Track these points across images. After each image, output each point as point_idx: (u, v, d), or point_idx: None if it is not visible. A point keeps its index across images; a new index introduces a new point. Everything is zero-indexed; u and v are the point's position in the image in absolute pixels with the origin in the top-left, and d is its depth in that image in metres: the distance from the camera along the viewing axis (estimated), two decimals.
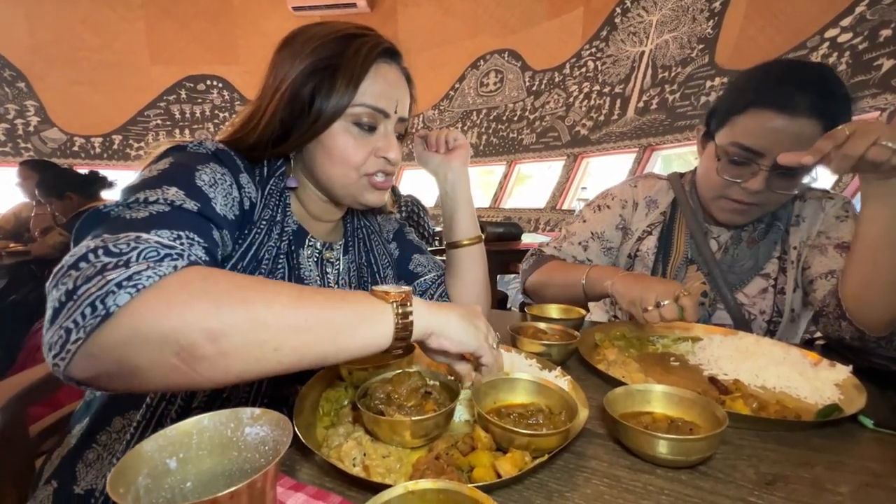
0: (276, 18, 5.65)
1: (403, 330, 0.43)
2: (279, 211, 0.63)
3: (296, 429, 0.43)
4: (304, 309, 0.39)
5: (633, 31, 3.97)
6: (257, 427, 0.33)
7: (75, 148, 5.86)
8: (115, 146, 5.92)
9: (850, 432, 0.51)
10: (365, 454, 0.42)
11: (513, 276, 3.44)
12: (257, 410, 0.33)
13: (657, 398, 0.51)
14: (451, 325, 0.47)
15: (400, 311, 0.43)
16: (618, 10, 4.11)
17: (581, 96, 4.36)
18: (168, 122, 6.04)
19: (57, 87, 5.76)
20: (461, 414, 0.52)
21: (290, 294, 0.40)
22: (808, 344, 0.87)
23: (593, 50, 4.32)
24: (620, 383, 0.58)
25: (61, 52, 5.70)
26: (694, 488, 0.40)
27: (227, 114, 5.90)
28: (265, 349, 0.38)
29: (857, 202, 0.88)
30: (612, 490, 0.40)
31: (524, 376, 0.53)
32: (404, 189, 2.56)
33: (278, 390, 0.62)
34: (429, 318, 0.45)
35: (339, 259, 0.73)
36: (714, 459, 0.45)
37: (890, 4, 2.35)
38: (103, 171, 2.43)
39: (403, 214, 2.27)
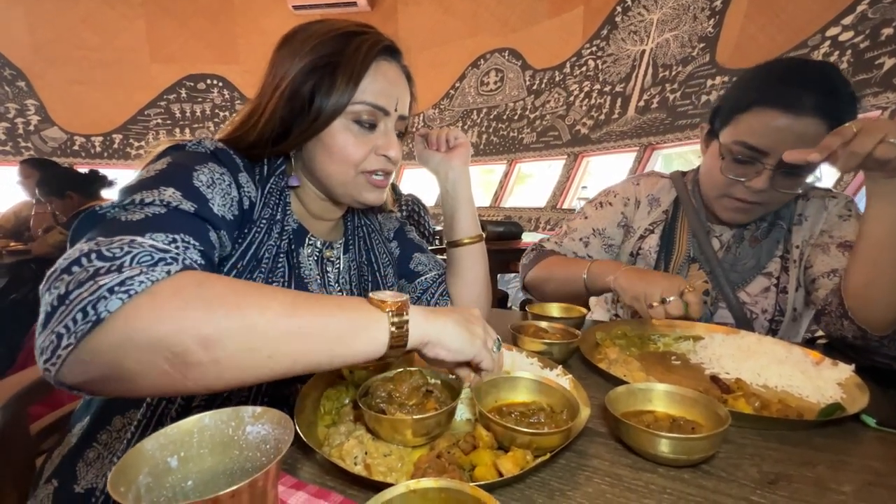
0: (277, 17, 5.64)
1: (398, 339, 0.43)
2: (279, 210, 0.63)
3: (297, 427, 0.42)
4: (299, 317, 0.39)
5: (634, 29, 3.97)
6: (258, 426, 0.33)
7: (75, 147, 5.86)
8: (116, 145, 5.92)
9: (852, 431, 0.51)
10: (366, 453, 0.42)
11: (513, 275, 3.44)
12: (258, 409, 0.33)
13: (659, 397, 0.51)
14: (447, 333, 0.47)
15: (395, 319, 0.43)
16: (618, 8, 4.10)
17: (581, 95, 4.35)
18: (168, 121, 6.04)
19: (57, 85, 5.75)
20: (462, 413, 0.52)
21: (284, 301, 0.40)
22: (809, 343, 0.87)
23: (594, 49, 4.31)
24: (622, 382, 0.58)
25: (61, 50, 5.70)
26: (696, 487, 0.40)
27: (227, 113, 5.89)
28: (258, 356, 0.37)
29: (859, 201, 0.88)
30: (614, 489, 0.40)
31: (525, 375, 0.53)
32: (405, 188, 2.56)
33: (279, 389, 0.62)
34: (425, 327, 0.45)
35: (339, 258, 0.73)
36: (716, 458, 0.45)
37: (891, 3, 2.35)
38: (103, 170, 2.43)
39: (404, 213, 2.26)
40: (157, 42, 5.94)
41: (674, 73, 3.56)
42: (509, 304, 3.03)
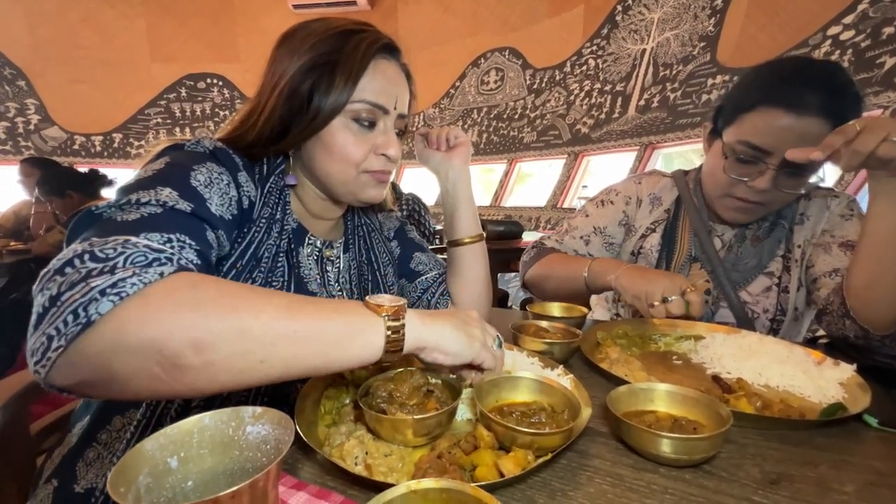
0: (277, 16, 5.64)
1: (394, 344, 0.43)
2: (279, 209, 0.63)
3: (297, 427, 0.42)
4: (294, 320, 0.39)
5: (635, 28, 3.96)
6: (259, 426, 0.33)
7: (76, 146, 5.86)
8: (116, 144, 5.92)
9: (854, 431, 0.51)
10: (367, 453, 0.42)
11: (514, 274, 3.43)
12: (259, 409, 0.33)
13: (660, 397, 0.51)
14: (444, 338, 0.46)
15: (392, 324, 0.43)
16: (619, 7, 4.09)
17: (582, 94, 4.35)
18: (168, 121, 6.04)
19: (57, 85, 5.76)
20: (463, 413, 0.51)
21: (279, 304, 0.39)
22: (811, 342, 0.87)
23: (594, 48, 4.31)
24: (623, 382, 0.57)
25: (61, 50, 5.70)
26: (698, 487, 0.40)
27: (227, 112, 5.89)
28: (251, 360, 0.37)
29: (860, 200, 0.88)
30: (616, 489, 0.40)
31: (526, 375, 0.53)
32: (405, 187, 2.56)
33: (279, 389, 0.61)
34: (421, 332, 0.45)
35: (339, 257, 0.73)
36: (718, 458, 0.44)
37: (892, 2, 2.34)
38: (104, 170, 2.43)
39: (404, 213, 2.26)
40: (157, 41, 5.94)
41: (674, 72, 3.55)
42: (510, 304, 3.03)
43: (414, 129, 0.81)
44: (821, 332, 0.89)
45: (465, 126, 5.31)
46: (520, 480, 0.41)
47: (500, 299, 2.71)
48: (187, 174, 0.52)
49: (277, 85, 0.60)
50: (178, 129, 5.99)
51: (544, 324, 0.76)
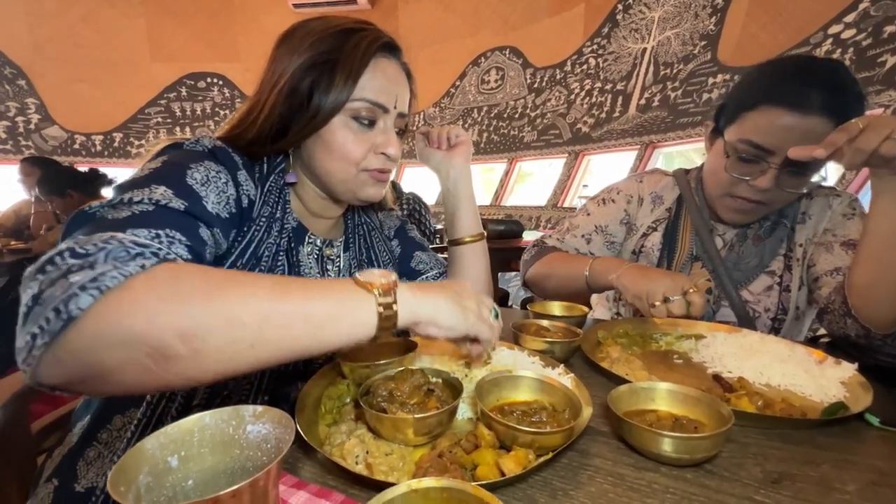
0: (277, 15, 5.64)
1: (387, 320, 0.42)
2: (279, 208, 0.63)
3: (298, 427, 0.42)
4: (282, 303, 0.38)
5: (635, 27, 3.96)
6: (259, 425, 0.32)
7: (76, 146, 5.86)
8: (116, 144, 5.92)
9: (856, 430, 0.51)
10: (367, 452, 0.42)
11: (514, 273, 3.43)
12: (259, 408, 0.33)
13: (661, 396, 0.50)
14: (438, 311, 0.46)
15: (383, 300, 0.42)
16: (619, 6, 4.09)
17: (582, 93, 4.35)
18: (169, 120, 6.04)
19: (57, 84, 5.75)
20: (464, 412, 0.51)
21: (266, 288, 0.39)
22: (812, 342, 0.87)
23: (595, 47, 4.30)
24: (624, 381, 0.57)
25: (61, 49, 5.70)
26: (699, 486, 0.40)
27: (227, 111, 5.89)
28: (241, 346, 0.37)
29: (862, 199, 0.88)
30: (617, 488, 0.40)
31: (527, 374, 0.52)
32: (406, 186, 2.55)
33: (280, 388, 0.61)
34: (414, 306, 0.44)
35: (339, 256, 0.73)
36: (719, 458, 0.44)
37: (894, 0, 2.34)
38: (104, 169, 2.43)
39: (405, 212, 2.26)
40: (157, 40, 5.94)
41: (675, 71, 3.55)
42: (510, 303, 3.03)
43: (414, 128, 0.81)
44: (822, 332, 0.89)
45: (466, 125, 5.30)
46: (521, 479, 0.40)
47: (501, 298, 2.71)
48: (183, 173, 0.51)
49: (277, 83, 0.60)
50: (178, 129, 5.98)
51: (545, 323, 0.76)
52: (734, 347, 0.70)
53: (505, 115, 5.06)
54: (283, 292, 0.39)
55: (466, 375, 0.57)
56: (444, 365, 0.60)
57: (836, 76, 0.75)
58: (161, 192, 0.47)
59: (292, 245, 0.64)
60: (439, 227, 2.51)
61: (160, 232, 0.43)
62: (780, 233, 0.90)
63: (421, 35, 5.43)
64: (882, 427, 0.51)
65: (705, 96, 3.24)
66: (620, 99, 3.97)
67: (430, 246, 0.91)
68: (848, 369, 0.61)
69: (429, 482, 0.31)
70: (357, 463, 0.41)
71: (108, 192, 2.37)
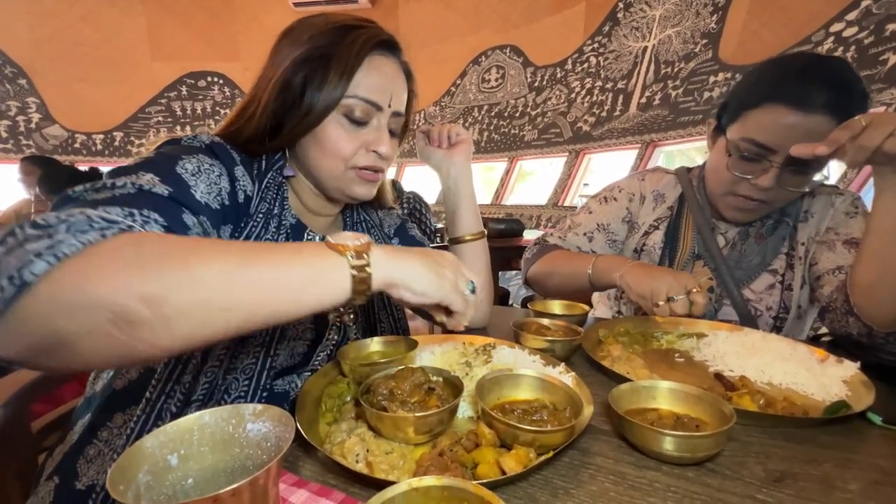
0: (277, 14, 5.63)
1: (361, 283, 0.42)
2: (276, 204, 0.63)
3: (298, 425, 0.42)
4: (251, 267, 0.38)
5: (636, 25, 3.95)
6: (259, 423, 0.32)
7: (77, 145, 5.86)
8: (117, 143, 5.92)
9: (858, 429, 0.51)
10: (368, 451, 0.42)
11: (515, 272, 3.43)
12: (259, 406, 0.33)
13: (663, 394, 0.50)
14: (413, 275, 0.46)
15: (356, 262, 0.42)
16: (620, 4, 4.08)
17: (583, 92, 4.34)
18: (169, 119, 6.04)
19: (58, 83, 5.75)
20: (465, 410, 0.51)
21: (234, 252, 0.38)
22: (814, 340, 0.86)
23: (595, 45, 4.29)
24: (625, 379, 0.57)
25: (62, 48, 5.70)
26: (701, 485, 0.40)
27: (227, 110, 5.77)
28: (210, 309, 0.36)
29: (864, 197, 0.88)
30: (618, 487, 0.40)
31: (528, 372, 0.52)
32: (406, 185, 2.55)
33: (278, 384, 0.61)
34: (389, 270, 0.44)
35: None
36: (721, 456, 0.44)
37: None
38: (105, 168, 2.43)
39: (405, 211, 2.26)
40: (157, 39, 5.94)
41: (676, 69, 3.54)
42: (510, 302, 3.03)
43: (415, 126, 0.81)
44: (823, 330, 0.88)
45: (466, 124, 5.30)
46: (521, 478, 0.40)
47: (502, 297, 2.70)
48: (174, 162, 0.51)
49: (272, 77, 0.60)
50: (178, 128, 5.98)
51: (546, 321, 0.76)
52: (736, 346, 0.70)
53: (505, 114, 5.05)
54: (252, 255, 0.39)
55: (467, 374, 0.57)
56: (444, 364, 0.60)
57: (840, 74, 0.74)
58: (147, 178, 0.47)
59: (290, 241, 0.64)
60: (440, 225, 2.51)
61: (135, 211, 0.42)
62: (783, 231, 0.90)
63: (421, 33, 5.43)
64: (884, 426, 0.51)
65: (706, 95, 3.23)
66: (621, 97, 3.96)
67: (431, 245, 0.91)
68: (850, 368, 0.61)
69: (429, 481, 0.31)
70: (357, 461, 0.41)
71: None
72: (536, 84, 4.81)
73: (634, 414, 0.47)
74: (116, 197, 0.43)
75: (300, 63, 0.59)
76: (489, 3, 5.10)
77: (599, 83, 4.19)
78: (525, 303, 2.09)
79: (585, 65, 4.36)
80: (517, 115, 4.93)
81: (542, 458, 0.41)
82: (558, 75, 4.61)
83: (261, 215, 0.60)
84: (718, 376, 0.62)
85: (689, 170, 1.04)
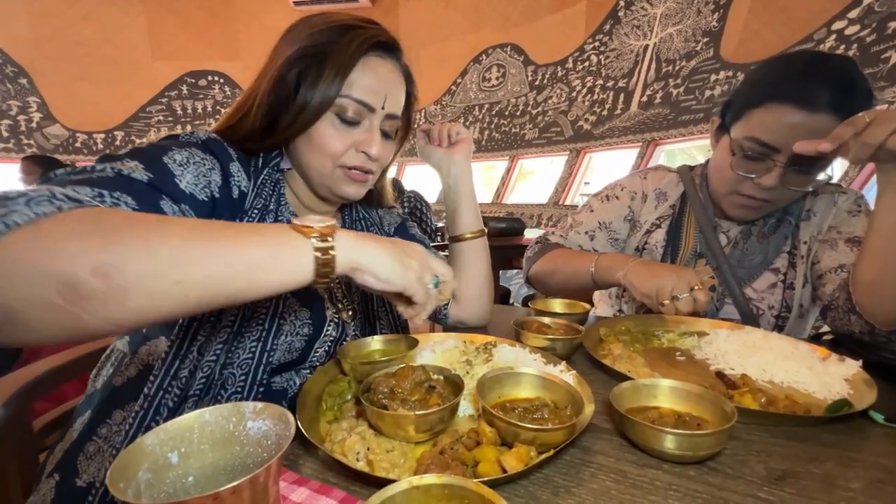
0: (278, 13, 5.63)
1: (324, 266, 0.42)
2: (272, 200, 0.63)
3: (299, 423, 0.42)
4: (208, 242, 0.37)
5: (637, 24, 3.94)
6: (259, 421, 0.32)
7: (77, 144, 5.87)
8: (118, 142, 5.93)
9: (860, 428, 0.50)
10: (368, 449, 0.42)
11: (515, 271, 3.43)
12: (259, 404, 0.33)
13: (664, 393, 0.50)
14: (377, 261, 0.46)
15: (320, 245, 0.41)
16: (621, 3, 4.07)
17: (584, 91, 4.33)
18: (170, 118, 6.04)
19: (59, 82, 5.76)
20: (465, 408, 0.51)
21: (193, 227, 0.38)
22: (815, 339, 0.86)
23: (596, 44, 4.28)
24: (626, 378, 0.57)
25: (63, 47, 5.70)
26: (702, 484, 0.40)
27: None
28: (165, 283, 0.35)
29: (867, 195, 0.87)
30: (619, 485, 0.40)
31: (529, 371, 0.52)
32: (407, 184, 2.55)
33: (275, 380, 0.61)
34: (354, 253, 0.44)
35: None
36: (723, 455, 0.44)
37: None
38: None
39: (406, 210, 2.26)
40: (158, 39, 5.94)
41: (677, 67, 3.53)
42: (511, 301, 3.03)
43: (415, 125, 0.81)
44: (825, 329, 0.88)
45: (467, 123, 5.29)
46: (522, 476, 0.40)
47: (503, 296, 2.70)
48: (163, 153, 0.51)
49: (268, 71, 0.60)
50: (179, 127, 5.99)
51: (547, 320, 0.76)
52: (737, 344, 0.70)
53: (506, 113, 5.04)
54: (211, 233, 0.38)
55: (468, 373, 0.57)
56: (445, 362, 0.59)
57: (845, 73, 0.74)
58: (131, 165, 0.47)
59: None
60: (441, 224, 2.51)
61: (105, 192, 0.42)
62: (785, 230, 0.90)
63: (422, 32, 5.42)
64: (886, 424, 0.50)
65: (707, 93, 3.23)
66: (622, 96, 3.95)
67: (432, 244, 0.91)
68: (852, 366, 0.60)
69: (430, 479, 0.31)
70: (358, 460, 0.41)
71: None
72: (537, 83, 4.81)
73: (635, 412, 0.47)
74: (91, 179, 0.43)
75: (295, 60, 0.59)
76: (490, 2, 5.10)
77: (600, 82, 4.19)
78: (526, 301, 2.09)
79: (586, 63, 4.36)
80: (518, 113, 4.93)
81: (543, 456, 0.41)
82: (559, 74, 4.61)
83: (256, 211, 0.60)
84: (720, 375, 0.62)
85: (691, 168, 1.04)
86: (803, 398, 0.57)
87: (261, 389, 0.58)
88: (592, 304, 1.15)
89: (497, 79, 5.16)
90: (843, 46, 2.50)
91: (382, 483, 0.33)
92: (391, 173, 0.85)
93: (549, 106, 4.63)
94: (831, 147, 0.61)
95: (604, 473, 0.41)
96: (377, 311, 0.75)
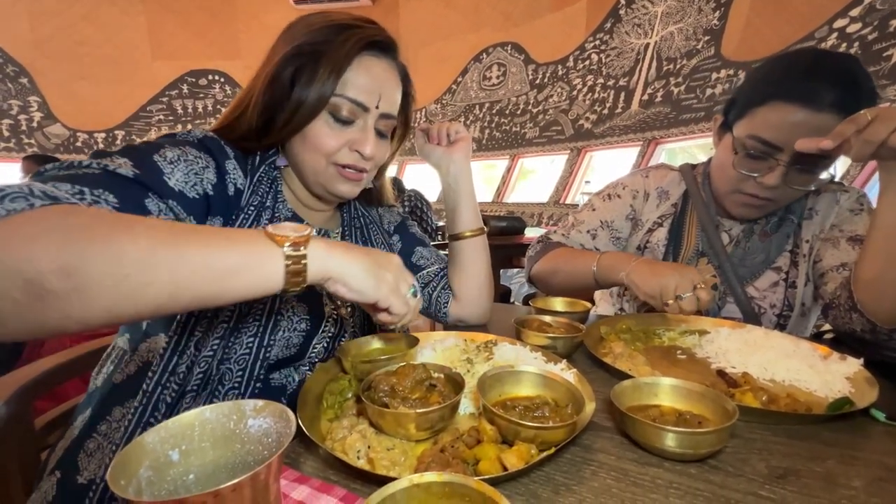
0: (278, 12, 5.63)
1: (295, 275, 0.42)
2: (269, 197, 0.63)
3: (300, 422, 0.42)
4: (177, 247, 0.37)
5: (638, 22, 3.93)
6: (260, 419, 0.32)
7: (78, 143, 5.87)
8: (119, 142, 5.94)
9: (861, 426, 0.50)
10: (369, 447, 0.42)
11: (516, 270, 3.43)
12: (260, 402, 0.33)
13: (665, 391, 0.50)
14: (350, 273, 0.46)
15: (292, 253, 0.41)
16: (622, 1, 4.06)
17: (585, 89, 4.33)
18: (170, 118, 6.05)
19: (59, 82, 5.77)
20: (466, 407, 0.51)
21: (163, 230, 0.38)
22: (816, 337, 0.86)
23: (597, 42, 4.28)
24: (627, 376, 0.57)
25: (63, 47, 5.71)
26: (704, 482, 0.40)
27: None
28: (131, 284, 0.35)
29: (869, 194, 0.87)
30: (620, 483, 0.40)
31: (530, 369, 0.52)
32: (407, 183, 2.55)
33: (273, 376, 0.61)
34: (326, 263, 0.44)
35: None
36: (724, 453, 0.44)
37: None
38: None
39: (407, 209, 2.26)
40: (158, 38, 5.94)
41: (678, 66, 3.52)
42: (512, 300, 3.03)
43: (415, 125, 0.81)
44: (826, 327, 0.88)
45: (467, 122, 5.29)
46: (523, 474, 0.40)
47: (503, 295, 2.70)
48: (155, 150, 0.52)
49: (265, 69, 0.60)
50: (179, 126, 6.00)
51: (547, 319, 0.76)
52: (738, 343, 0.70)
53: (507, 112, 5.04)
54: (180, 237, 0.38)
55: (469, 371, 0.57)
56: (446, 360, 0.59)
57: (849, 72, 0.73)
58: (119, 162, 0.47)
59: None
60: (441, 223, 2.50)
61: (85, 189, 0.42)
62: (787, 229, 0.90)
63: (422, 32, 5.42)
64: (888, 422, 0.50)
65: (709, 92, 3.22)
66: (623, 95, 3.95)
67: (433, 243, 0.91)
68: (853, 364, 0.60)
69: (431, 476, 0.31)
70: (359, 458, 0.41)
71: None
72: (538, 81, 4.80)
73: (636, 410, 0.46)
74: (76, 175, 0.43)
75: (290, 59, 0.59)
76: (490, 1, 5.09)
77: (601, 80, 4.18)
78: (526, 300, 2.09)
79: (587, 62, 4.35)
80: (518, 112, 4.92)
81: (544, 454, 0.41)
82: (560, 72, 4.60)
83: (252, 208, 0.60)
84: (721, 373, 0.62)
85: (693, 166, 1.03)
86: (805, 396, 0.57)
87: (258, 385, 0.58)
88: (593, 303, 1.15)
89: (498, 78, 5.15)
90: (844, 44, 2.50)
91: (383, 481, 0.33)
92: (391, 172, 0.85)
93: (550, 105, 4.63)
94: (833, 145, 0.61)
95: (605, 471, 0.41)
96: None
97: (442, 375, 0.51)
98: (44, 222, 0.34)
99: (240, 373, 0.57)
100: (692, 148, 3.57)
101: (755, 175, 0.81)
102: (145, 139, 0.59)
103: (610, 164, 4.19)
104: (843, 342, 0.77)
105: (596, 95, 4.21)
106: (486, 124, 5.18)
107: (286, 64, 0.59)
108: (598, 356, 0.66)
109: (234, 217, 0.59)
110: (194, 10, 5.92)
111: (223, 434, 0.32)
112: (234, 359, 0.57)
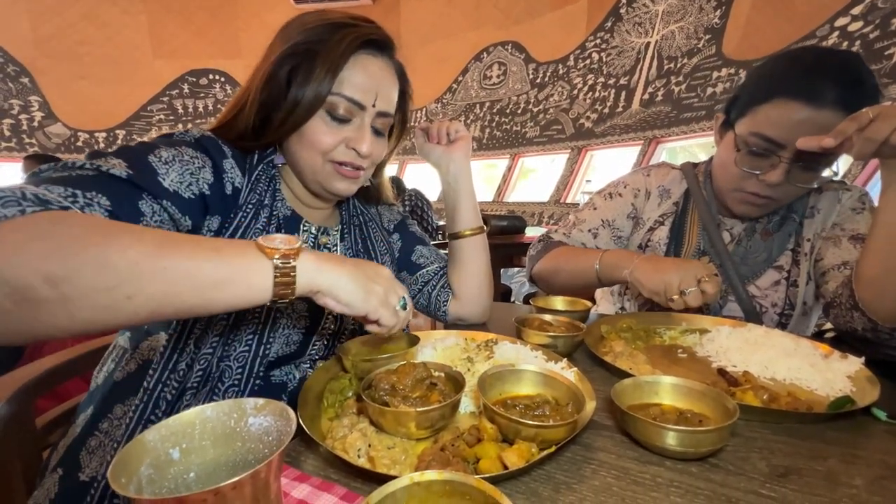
0: (279, 11, 5.62)
1: (285, 287, 0.42)
2: (267, 195, 0.63)
3: (300, 420, 0.42)
4: (165, 258, 0.37)
5: (639, 21, 3.92)
6: (261, 417, 0.32)
7: (79, 143, 5.88)
8: (119, 141, 5.95)
9: (863, 425, 0.50)
10: (370, 445, 0.42)
11: (517, 269, 3.43)
12: (261, 401, 0.33)
13: (666, 390, 0.50)
14: (339, 286, 0.46)
15: (281, 264, 0.42)
16: (623, 0, 4.05)
17: (585, 88, 4.32)
18: (171, 117, 6.05)
19: (60, 81, 5.77)
20: (467, 405, 0.51)
21: (151, 241, 0.38)
22: (817, 336, 0.86)
23: (598, 41, 4.27)
24: (627, 375, 0.57)
25: (64, 46, 5.71)
26: (704, 480, 0.40)
27: None
28: (116, 296, 0.35)
29: (871, 192, 0.87)
30: (621, 482, 0.40)
31: (530, 368, 0.52)
32: (408, 183, 2.55)
33: (273, 374, 0.61)
34: (315, 276, 0.44)
35: (336, 245, 0.72)
36: (725, 452, 0.44)
37: None
38: None
39: (407, 208, 2.26)
40: (159, 37, 5.95)
41: (679, 65, 3.52)
42: (513, 299, 3.03)
43: (414, 123, 0.81)
44: (828, 326, 0.88)
45: (468, 121, 5.29)
46: (524, 473, 0.40)
47: (504, 294, 2.70)
48: (150, 151, 0.52)
49: (261, 68, 0.61)
50: (180, 125, 6.00)
51: (548, 317, 0.76)
52: (739, 341, 0.70)
53: (507, 111, 5.04)
54: (169, 247, 0.38)
55: (469, 370, 0.57)
56: (446, 359, 0.59)
57: (852, 69, 0.73)
58: (114, 163, 0.47)
59: (284, 232, 0.64)
60: (441, 223, 2.50)
61: (78, 192, 0.42)
62: (789, 227, 0.89)
63: (423, 31, 5.41)
64: (889, 421, 0.50)
65: (709, 90, 3.22)
66: (623, 94, 3.94)
67: (433, 242, 0.91)
68: (854, 363, 0.60)
69: (431, 475, 0.31)
70: (359, 456, 0.41)
71: None
72: (538, 80, 4.80)
73: (637, 409, 0.46)
74: (69, 178, 0.43)
75: (287, 57, 0.59)
76: (490, 0, 5.08)
77: (602, 79, 4.18)
78: (527, 299, 2.09)
79: (587, 61, 4.35)
80: (519, 111, 4.92)
81: (545, 452, 0.41)
82: (560, 72, 4.60)
83: (250, 206, 0.60)
84: (721, 372, 0.62)
85: (694, 165, 1.03)
86: (806, 395, 0.57)
87: (259, 382, 0.58)
88: (594, 302, 1.14)
89: (498, 77, 5.15)
90: (846, 43, 2.49)
91: (384, 479, 0.33)
92: (391, 171, 0.85)
93: (551, 104, 4.63)
94: (834, 143, 0.61)
95: (605, 470, 0.41)
96: None
97: (442, 374, 0.51)
98: (32, 230, 0.35)
99: (239, 370, 0.57)
100: (693, 147, 3.57)
101: (757, 173, 0.80)
102: (146, 138, 0.59)
103: (610, 163, 4.19)
104: (844, 341, 0.77)
105: (596, 94, 4.20)
106: (486, 123, 5.17)
107: (282, 63, 0.59)
108: (599, 355, 0.66)
109: (232, 216, 0.59)
110: (195, 9, 5.92)
111: (224, 432, 0.32)
112: (233, 356, 0.57)
